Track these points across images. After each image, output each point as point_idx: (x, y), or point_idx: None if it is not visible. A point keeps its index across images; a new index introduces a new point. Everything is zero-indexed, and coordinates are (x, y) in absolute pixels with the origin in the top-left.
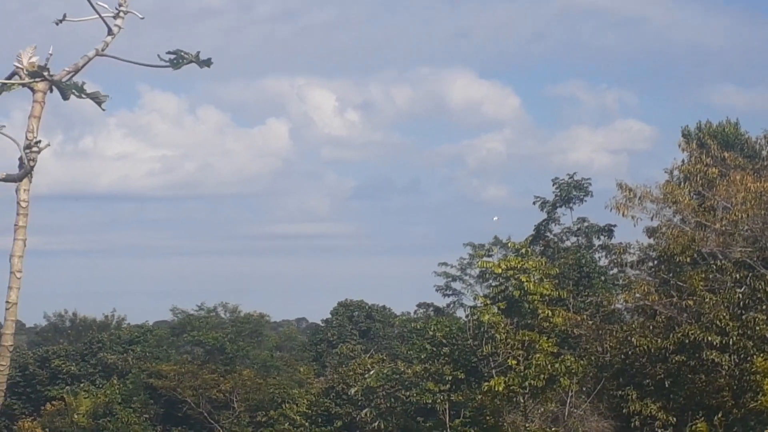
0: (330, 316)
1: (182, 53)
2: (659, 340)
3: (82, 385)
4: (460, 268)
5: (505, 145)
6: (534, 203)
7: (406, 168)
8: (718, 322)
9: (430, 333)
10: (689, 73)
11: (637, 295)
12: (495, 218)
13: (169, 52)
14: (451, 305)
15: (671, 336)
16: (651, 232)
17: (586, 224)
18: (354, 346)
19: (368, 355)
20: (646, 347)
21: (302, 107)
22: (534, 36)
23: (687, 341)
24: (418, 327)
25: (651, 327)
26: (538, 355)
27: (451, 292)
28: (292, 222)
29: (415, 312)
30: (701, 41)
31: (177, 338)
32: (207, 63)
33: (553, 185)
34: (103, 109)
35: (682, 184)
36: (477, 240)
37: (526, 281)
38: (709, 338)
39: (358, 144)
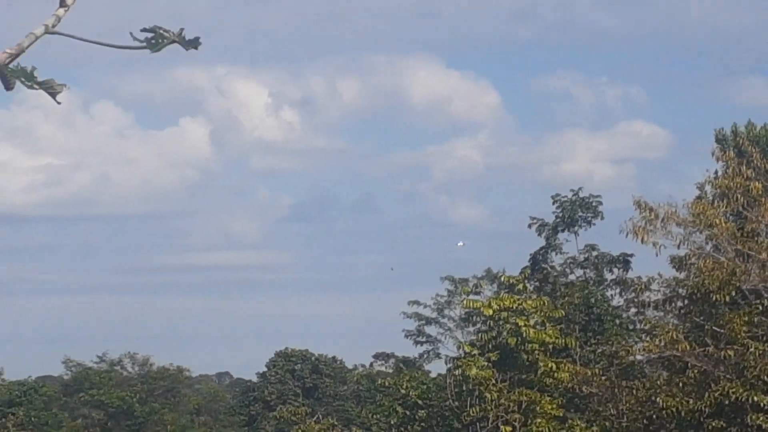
0: (266, 369)
1: (161, 31)
2: (691, 401)
3: None
4: (436, 308)
5: (481, 153)
6: (530, 226)
7: (356, 181)
8: (765, 377)
9: (402, 391)
10: (709, 63)
11: (662, 343)
12: (460, 243)
13: (144, 29)
14: (425, 356)
15: (706, 395)
16: (678, 263)
17: (595, 253)
18: (297, 407)
19: (315, 420)
20: (674, 409)
21: (225, 104)
22: (517, 15)
23: (726, 402)
24: (386, 384)
25: (680, 384)
26: (538, 420)
27: (424, 339)
28: (213, 249)
29: (371, 365)
30: (725, 22)
31: (71, 398)
32: (194, 44)
33: (553, 204)
34: (58, 102)
35: (717, 202)
36: (452, 272)
37: (524, 326)
38: (755, 398)
39: (297, 151)
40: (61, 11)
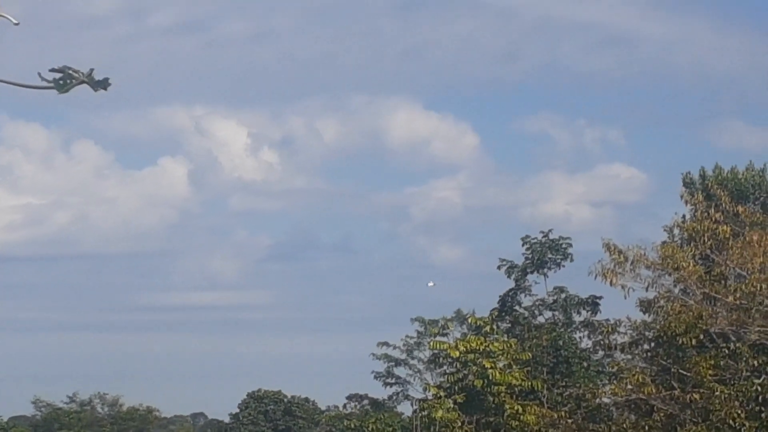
0: (238, 410)
1: (70, 71)
2: None
3: None
4: (405, 349)
5: (460, 195)
6: (499, 268)
7: (335, 222)
8: (731, 421)
9: None
10: (691, 106)
11: (629, 386)
12: (430, 284)
13: (53, 70)
14: (394, 397)
15: None
16: (646, 306)
17: (564, 295)
18: None
19: None
20: None
21: (205, 144)
22: (499, 57)
23: None
24: (353, 426)
25: (647, 427)
26: None
27: (393, 381)
28: (190, 289)
29: (345, 406)
30: (706, 66)
31: None
32: (103, 84)
33: (523, 245)
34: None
35: (685, 245)
36: (428, 314)
37: (491, 368)
38: None
39: (276, 191)
40: None
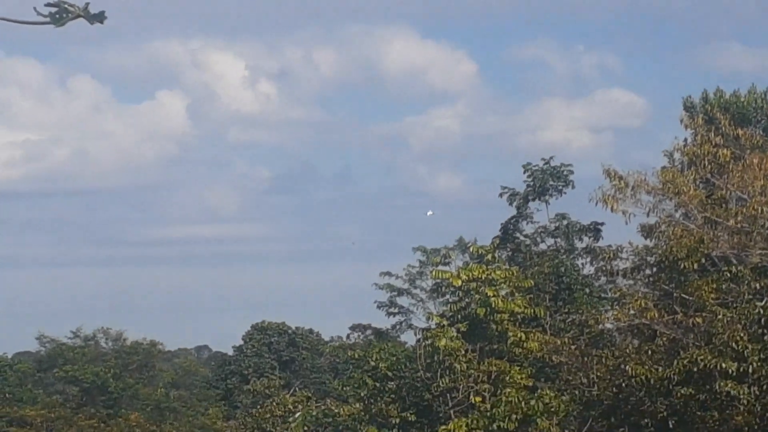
0: (242, 342)
1: (66, 5)
2: (660, 369)
3: None
4: (408, 279)
5: (458, 123)
6: (500, 196)
7: (334, 153)
8: (733, 344)
9: (372, 363)
10: (689, 30)
11: (632, 311)
12: (429, 213)
13: (48, 4)
14: (397, 327)
15: (675, 363)
16: (648, 231)
17: (566, 222)
18: (272, 380)
19: (290, 393)
20: (643, 377)
21: (202, 77)
22: None
23: (695, 369)
24: (356, 356)
25: (650, 352)
26: (508, 390)
27: (396, 310)
28: (190, 223)
29: (348, 336)
30: None
31: (45, 374)
32: (99, 18)
33: (525, 173)
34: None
35: (686, 170)
36: (429, 243)
37: (493, 296)
38: (723, 365)
39: (274, 123)
40: None
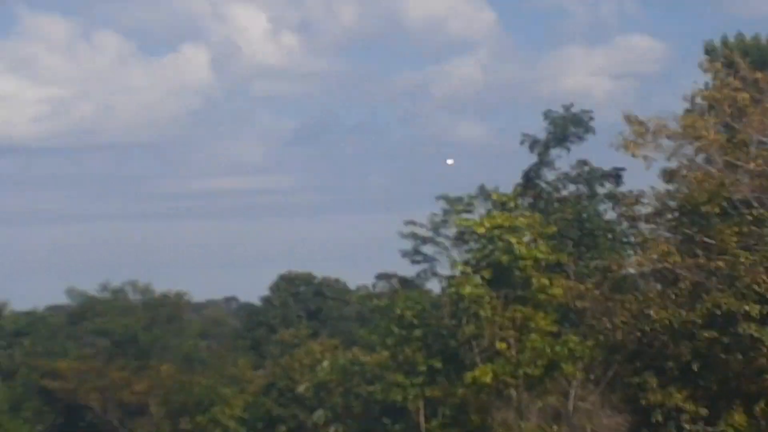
0: (269, 293)
1: None
2: (683, 312)
3: None
4: (432, 227)
5: (480, 71)
6: (521, 143)
7: (357, 103)
8: (756, 287)
9: (398, 312)
10: None
11: (654, 256)
12: (449, 161)
13: None
14: (422, 275)
15: (698, 307)
16: (669, 175)
17: (587, 168)
18: (299, 330)
19: (318, 342)
20: (667, 321)
21: (225, 30)
22: None
23: (718, 312)
24: (382, 305)
25: (673, 296)
26: (533, 336)
27: (421, 258)
28: (216, 175)
29: (374, 285)
30: None
31: (75, 327)
32: None
33: (545, 120)
34: None
35: (706, 114)
36: (452, 191)
37: (517, 243)
38: (746, 308)
39: (298, 75)
40: None
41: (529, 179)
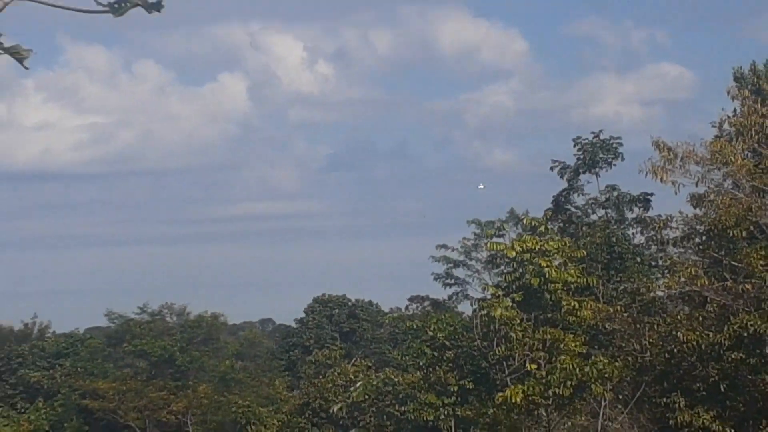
0: (304, 315)
1: None
2: (711, 334)
3: (0, 410)
4: (463, 251)
5: (512, 99)
6: (552, 169)
7: (391, 130)
8: None
9: (430, 333)
10: (734, 3)
11: (683, 279)
12: (480, 186)
13: None
14: (454, 297)
15: (726, 328)
16: (697, 200)
17: (616, 193)
18: (333, 351)
19: (351, 363)
20: (695, 343)
21: (262, 59)
22: None
23: (746, 334)
24: (415, 326)
25: (700, 318)
26: (563, 357)
27: (453, 281)
28: (253, 200)
29: (407, 308)
30: None
31: (115, 349)
32: (157, 7)
33: (575, 146)
34: (26, 67)
35: (734, 140)
36: (483, 216)
37: (547, 266)
38: None
39: (333, 103)
40: None
41: (559, 204)
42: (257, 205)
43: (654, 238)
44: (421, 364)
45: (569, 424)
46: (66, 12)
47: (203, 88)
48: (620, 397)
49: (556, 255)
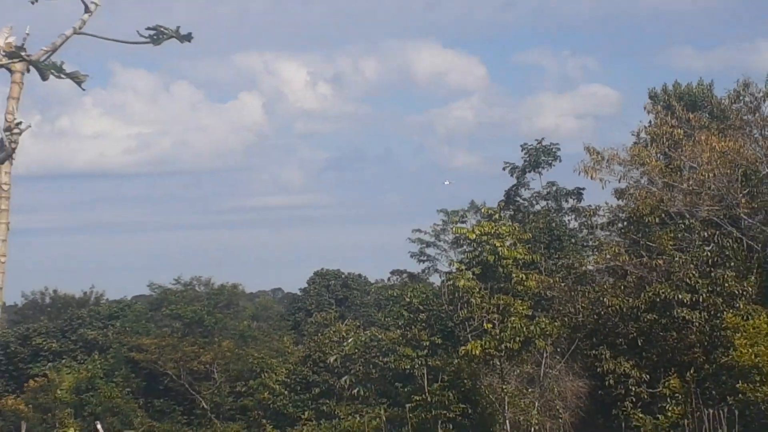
0: (307, 285)
1: (162, 29)
2: (630, 300)
3: (63, 361)
4: (434, 234)
5: (473, 113)
6: (504, 169)
7: (377, 138)
8: (687, 280)
9: (407, 299)
10: (652, 37)
11: (608, 256)
12: (446, 182)
13: (148, 28)
14: (426, 271)
15: (642, 295)
16: (619, 193)
17: (555, 188)
18: (330, 314)
19: (344, 323)
20: (617, 307)
21: (274, 81)
22: (504, 5)
23: (658, 300)
24: (395, 294)
25: (622, 287)
26: (513, 318)
27: (425, 258)
28: (267, 195)
29: (389, 279)
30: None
31: (155, 312)
32: (187, 38)
33: (522, 151)
34: (83, 89)
35: (649, 146)
36: (450, 206)
37: (500, 246)
38: (680, 296)
39: (331, 116)
40: (86, 16)
41: (510, 197)
42: (270, 198)
43: (585, 223)
44: (400, 323)
45: (518, 371)
46: (115, 43)
47: (227, 105)
48: (558, 350)
49: (507, 237)
